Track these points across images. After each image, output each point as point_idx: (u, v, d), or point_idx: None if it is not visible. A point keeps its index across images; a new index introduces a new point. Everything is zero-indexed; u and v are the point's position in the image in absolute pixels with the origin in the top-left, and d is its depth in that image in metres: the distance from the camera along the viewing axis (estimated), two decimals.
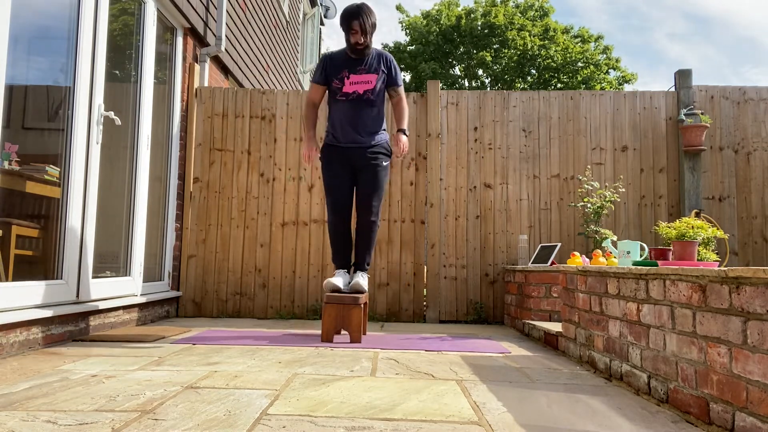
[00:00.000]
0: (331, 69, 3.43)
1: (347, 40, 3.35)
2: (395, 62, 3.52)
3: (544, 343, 3.34)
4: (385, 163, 3.46)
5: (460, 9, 20.07)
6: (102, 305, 3.31)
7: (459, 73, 20.56)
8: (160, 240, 4.40)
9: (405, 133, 3.44)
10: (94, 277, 3.32)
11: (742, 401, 1.51)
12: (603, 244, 3.39)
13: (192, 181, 4.69)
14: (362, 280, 3.39)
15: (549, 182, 4.75)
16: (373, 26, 3.33)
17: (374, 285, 4.64)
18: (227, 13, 5.44)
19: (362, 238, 3.45)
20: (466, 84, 20.30)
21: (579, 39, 20.03)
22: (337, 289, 3.30)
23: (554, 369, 2.55)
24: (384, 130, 3.53)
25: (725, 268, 1.57)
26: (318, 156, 3.51)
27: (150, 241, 4.16)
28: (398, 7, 20.58)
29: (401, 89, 3.53)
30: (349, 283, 3.41)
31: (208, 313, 4.60)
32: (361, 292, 3.31)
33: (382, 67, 3.44)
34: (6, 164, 2.74)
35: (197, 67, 4.83)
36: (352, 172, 3.46)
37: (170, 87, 4.54)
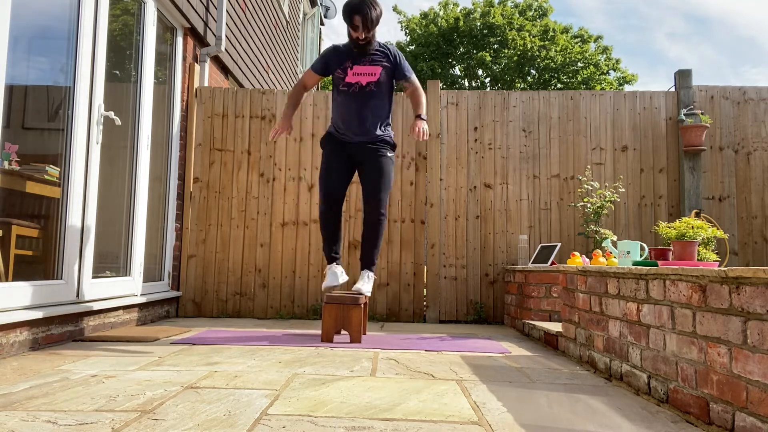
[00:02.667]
0: (334, 60, 3.37)
1: (349, 35, 3.30)
2: (401, 54, 3.46)
3: (544, 343, 3.34)
4: (389, 154, 3.40)
5: (458, 10, 20.06)
6: (102, 305, 3.31)
7: (459, 73, 20.55)
8: (160, 240, 4.40)
9: (422, 118, 3.29)
10: (94, 277, 3.32)
11: (742, 401, 1.51)
12: (603, 244, 3.39)
13: (192, 181, 4.69)
14: (367, 284, 3.35)
15: (549, 182, 4.75)
16: (377, 19, 3.22)
17: (374, 285, 4.64)
18: (227, 13, 5.44)
19: (370, 233, 3.38)
20: (466, 84, 20.30)
21: (579, 39, 20.03)
22: (335, 289, 3.28)
23: (554, 369, 2.55)
24: (389, 124, 3.46)
25: (725, 268, 1.57)
26: (287, 133, 3.40)
27: (150, 241, 4.16)
28: (395, 8, 20.58)
29: (413, 78, 3.44)
30: (343, 275, 3.39)
31: (208, 313, 4.60)
32: (363, 295, 3.29)
33: (388, 61, 3.38)
34: (6, 164, 2.74)
35: (197, 67, 4.83)
36: (351, 165, 3.43)
37: (170, 87, 4.54)
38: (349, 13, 3.19)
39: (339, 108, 3.40)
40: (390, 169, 3.41)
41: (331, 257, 3.42)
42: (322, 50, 14.38)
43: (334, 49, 3.42)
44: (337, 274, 3.37)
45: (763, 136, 4.72)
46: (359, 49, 3.31)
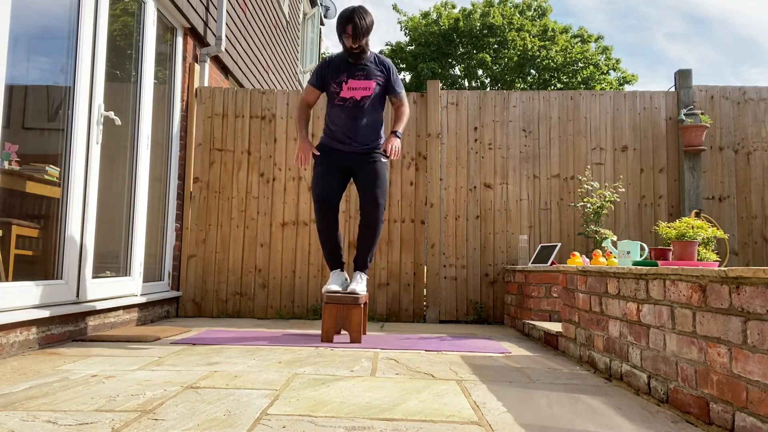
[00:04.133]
0: (329, 73, 3.39)
1: (342, 44, 3.32)
2: (394, 68, 3.49)
3: (544, 343, 3.34)
4: (384, 159, 3.42)
5: (456, 11, 20.06)
6: (102, 305, 3.31)
7: (459, 73, 20.55)
8: (160, 240, 4.40)
9: (398, 136, 3.38)
10: (94, 277, 3.32)
11: (742, 401, 1.51)
12: (603, 244, 3.39)
13: (192, 181, 4.69)
14: (360, 284, 3.36)
15: (549, 182, 4.75)
16: (369, 28, 3.27)
17: (374, 285, 4.64)
18: (227, 13, 5.44)
19: (366, 236, 3.39)
20: (466, 84, 20.30)
21: (578, 39, 20.03)
22: (336, 292, 3.29)
23: (554, 369, 2.55)
24: (382, 136, 3.50)
25: (725, 268, 1.57)
26: (312, 155, 3.44)
27: (150, 241, 4.16)
28: (394, 7, 20.58)
29: (402, 95, 3.49)
30: (346, 282, 3.41)
31: (208, 313, 4.60)
32: (360, 294, 3.29)
33: (381, 73, 3.40)
34: (6, 164, 2.74)
35: (197, 67, 4.83)
36: (345, 174, 3.44)
37: (170, 87, 4.54)
38: (341, 24, 3.24)
39: (333, 119, 3.42)
40: (385, 172, 3.43)
41: (334, 265, 3.44)
42: (321, 51, 14.37)
43: (329, 62, 3.43)
44: (342, 278, 3.39)
45: (763, 136, 4.72)
46: (353, 59, 3.33)
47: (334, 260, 3.45)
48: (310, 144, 3.42)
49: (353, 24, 3.20)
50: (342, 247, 3.49)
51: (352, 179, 3.50)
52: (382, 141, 3.48)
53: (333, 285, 3.33)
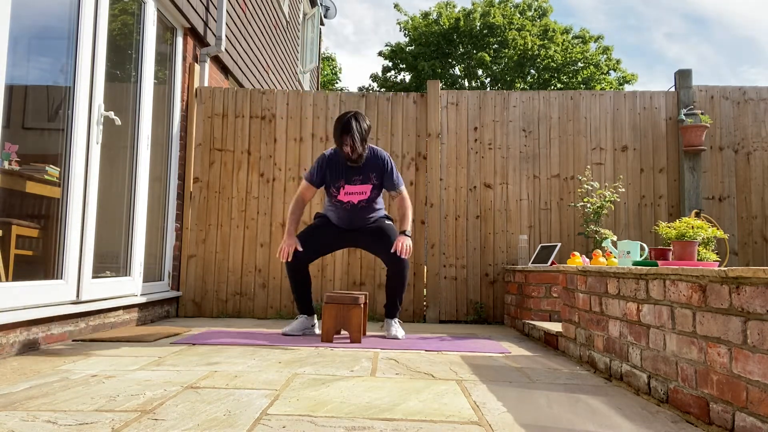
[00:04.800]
0: (327, 174, 3.42)
1: (340, 149, 3.31)
2: (391, 163, 3.46)
3: (544, 343, 3.34)
4: (388, 222, 3.53)
5: (457, 11, 20.06)
6: (102, 305, 3.31)
7: (459, 73, 20.55)
8: (160, 240, 4.40)
9: (407, 235, 3.38)
10: (94, 277, 3.32)
11: (742, 401, 1.51)
12: (603, 244, 3.39)
13: (192, 181, 4.69)
14: (400, 330, 3.45)
15: (549, 182, 4.75)
16: (367, 132, 3.30)
17: (374, 285, 4.64)
18: (227, 13, 5.44)
19: (395, 283, 3.43)
20: (466, 84, 20.30)
21: (579, 39, 20.03)
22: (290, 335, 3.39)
23: (554, 369, 2.55)
24: (382, 209, 3.58)
25: (725, 268, 1.57)
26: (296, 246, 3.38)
27: (150, 241, 4.16)
28: (396, 6, 20.57)
29: (402, 188, 3.49)
30: (311, 330, 3.50)
31: (208, 313, 4.60)
32: (358, 296, 3.30)
33: (378, 173, 3.41)
34: (6, 164, 2.74)
35: (197, 67, 4.83)
36: (341, 241, 3.53)
37: (170, 87, 4.54)
38: (339, 134, 3.25)
39: (332, 207, 3.50)
40: (393, 226, 3.52)
41: (302, 309, 3.50)
42: (321, 51, 14.35)
43: (328, 163, 3.42)
44: (306, 324, 3.47)
45: (763, 136, 4.72)
46: (352, 163, 3.36)
47: (305, 306, 3.49)
48: (295, 240, 3.38)
49: (352, 135, 3.23)
50: (311, 293, 3.53)
51: (354, 245, 3.58)
52: (383, 212, 3.58)
53: (288, 328, 3.43)
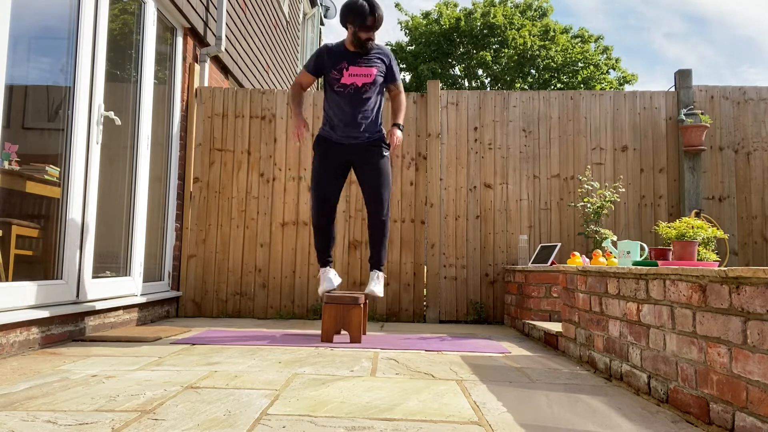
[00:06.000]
0: (328, 60, 3.37)
1: (355, 35, 3.28)
2: (393, 57, 3.50)
3: (544, 343, 3.34)
4: (386, 153, 3.43)
5: (458, 10, 20.05)
6: (102, 305, 3.31)
7: (459, 73, 20.54)
8: (160, 240, 4.40)
9: (400, 128, 3.41)
10: (94, 277, 3.32)
11: (742, 401, 1.51)
12: (603, 244, 3.39)
13: (192, 181, 4.69)
14: (378, 285, 3.40)
15: (549, 182, 4.75)
16: (383, 18, 3.30)
17: None
18: (227, 13, 5.44)
19: (376, 234, 3.41)
20: (466, 84, 20.29)
21: (579, 39, 20.02)
22: (332, 291, 3.31)
23: (554, 369, 2.55)
24: (382, 128, 3.49)
25: (725, 268, 1.57)
26: (307, 135, 3.43)
27: (150, 241, 4.16)
28: (397, 5, 20.56)
29: (400, 83, 3.52)
30: (334, 277, 3.41)
31: (208, 313, 4.60)
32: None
33: (382, 62, 3.40)
34: (6, 164, 2.74)
35: (197, 67, 4.83)
36: (345, 168, 3.43)
37: (170, 87, 4.54)
38: (361, 15, 3.20)
39: (332, 108, 3.40)
40: (388, 167, 3.43)
41: (326, 261, 3.45)
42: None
43: (328, 50, 3.41)
44: (332, 278, 3.40)
45: (763, 136, 4.72)
46: (363, 50, 3.33)
47: (327, 256, 3.45)
48: (304, 120, 3.41)
49: (375, 16, 3.21)
50: (334, 245, 3.49)
51: (352, 171, 3.49)
52: (383, 130, 3.49)
53: (327, 285, 3.35)
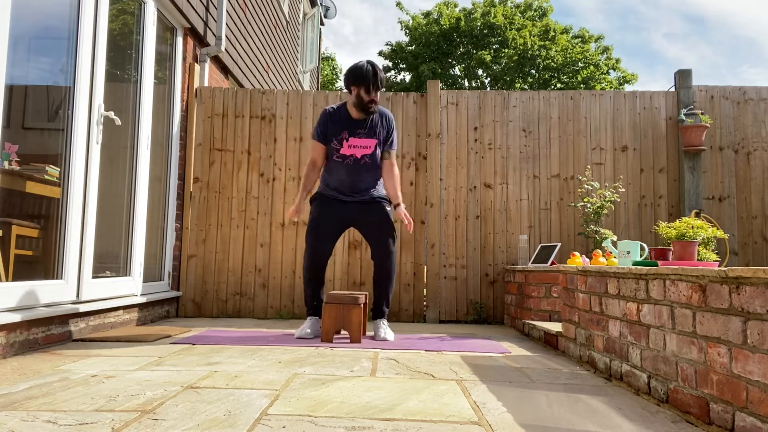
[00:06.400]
0: (331, 127, 3.37)
1: (358, 97, 3.28)
2: (394, 124, 3.48)
3: (544, 343, 3.34)
4: (388, 208, 3.44)
5: (458, 10, 20.06)
6: (102, 305, 3.31)
7: (459, 73, 20.54)
8: (160, 240, 4.40)
9: (401, 207, 3.40)
10: (94, 277, 3.32)
11: (742, 401, 1.51)
12: (603, 244, 3.39)
13: (192, 181, 4.69)
14: (388, 331, 3.36)
15: (549, 182, 4.75)
16: (384, 82, 3.32)
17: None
18: (227, 13, 5.44)
19: (382, 285, 3.39)
20: (466, 84, 20.29)
21: (579, 39, 20.02)
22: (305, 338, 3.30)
23: (554, 369, 2.55)
24: (380, 183, 3.49)
25: (725, 268, 1.57)
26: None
27: (150, 241, 4.16)
28: (398, 4, 20.56)
29: (394, 153, 3.47)
30: (319, 330, 3.38)
31: (208, 313, 4.60)
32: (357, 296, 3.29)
33: (383, 130, 3.39)
34: (6, 164, 2.74)
35: (197, 67, 4.83)
36: (343, 224, 3.41)
37: (170, 87, 4.54)
38: (365, 80, 3.23)
39: (331, 174, 3.41)
40: (390, 215, 3.44)
41: (316, 308, 3.42)
42: (321, 51, 14.34)
43: (330, 117, 3.40)
44: (309, 329, 3.34)
45: (763, 136, 4.72)
46: (365, 114, 3.33)
47: (315, 301, 3.42)
48: (301, 207, 3.42)
49: (378, 79, 3.23)
50: (323, 292, 3.48)
51: (351, 227, 3.49)
52: (382, 189, 3.49)
53: (307, 333, 3.31)
